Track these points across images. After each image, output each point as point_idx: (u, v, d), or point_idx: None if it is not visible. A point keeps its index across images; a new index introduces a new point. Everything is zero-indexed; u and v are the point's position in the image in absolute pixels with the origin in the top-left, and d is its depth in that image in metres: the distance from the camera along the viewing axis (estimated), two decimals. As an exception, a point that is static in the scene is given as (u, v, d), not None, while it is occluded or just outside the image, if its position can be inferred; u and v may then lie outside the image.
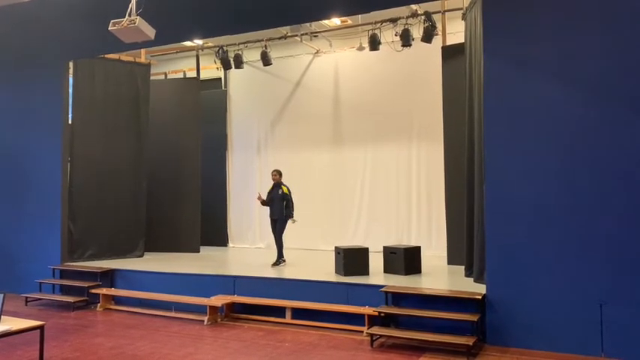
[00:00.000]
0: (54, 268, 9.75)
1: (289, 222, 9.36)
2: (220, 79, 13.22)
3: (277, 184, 9.45)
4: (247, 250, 12.14)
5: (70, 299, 8.83)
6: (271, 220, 9.52)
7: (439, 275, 8.34)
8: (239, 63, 11.35)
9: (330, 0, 8.08)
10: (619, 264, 5.86)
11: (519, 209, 6.36)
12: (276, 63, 11.37)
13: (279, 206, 9.35)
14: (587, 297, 5.96)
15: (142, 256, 10.83)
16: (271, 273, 8.70)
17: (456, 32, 9.60)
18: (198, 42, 11.83)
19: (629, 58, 5.92)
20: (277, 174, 9.52)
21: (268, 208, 9.54)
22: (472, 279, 7.55)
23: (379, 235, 10.71)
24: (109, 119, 10.76)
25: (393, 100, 11.04)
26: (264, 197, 9.50)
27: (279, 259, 9.36)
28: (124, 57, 11.05)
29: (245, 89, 12.92)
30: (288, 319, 7.57)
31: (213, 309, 7.82)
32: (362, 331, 6.96)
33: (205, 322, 7.68)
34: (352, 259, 8.16)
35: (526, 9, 6.47)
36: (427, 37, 9.23)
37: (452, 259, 9.06)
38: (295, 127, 12.17)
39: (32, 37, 10.33)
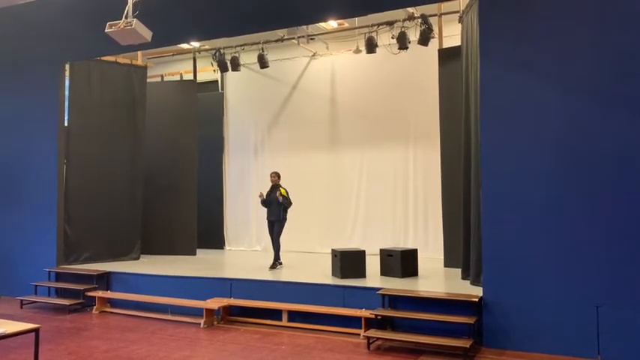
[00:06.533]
0: (50, 271, 9.71)
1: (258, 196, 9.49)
2: (217, 81, 13.21)
3: (276, 186, 9.44)
4: (244, 253, 12.11)
5: (66, 302, 8.80)
6: (268, 221, 9.51)
7: (436, 278, 8.34)
8: (236, 65, 11.35)
9: (326, 2, 8.09)
10: (616, 266, 5.87)
11: (516, 212, 6.36)
12: (273, 65, 11.36)
13: (277, 208, 9.34)
14: (584, 299, 5.97)
15: (138, 258, 10.79)
16: (268, 276, 8.68)
17: (452, 35, 9.61)
18: (195, 44, 11.84)
19: (625, 61, 5.93)
20: (276, 176, 9.52)
21: (266, 209, 9.54)
22: (469, 281, 7.56)
23: (376, 238, 10.70)
24: (105, 122, 10.72)
25: (390, 103, 11.05)
26: (265, 196, 9.46)
27: (276, 262, 9.34)
28: (121, 59, 11.02)
29: (242, 92, 12.91)
30: (284, 322, 7.56)
31: (210, 312, 7.80)
32: (359, 334, 6.95)
33: (202, 325, 7.66)
34: (349, 262, 8.15)
35: (522, 12, 6.48)
36: (424, 40, 9.24)
37: (449, 262, 9.06)
38: (292, 130, 12.16)
39: (28, 39, 10.31)
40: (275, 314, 7.68)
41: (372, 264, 8.45)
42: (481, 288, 6.66)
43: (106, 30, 6.84)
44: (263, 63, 10.96)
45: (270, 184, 9.58)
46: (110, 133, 10.75)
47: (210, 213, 12.57)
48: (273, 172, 9.60)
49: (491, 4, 6.66)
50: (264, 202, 9.46)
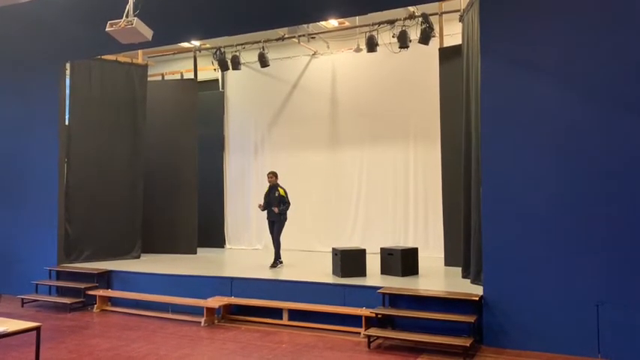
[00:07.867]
0: (50, 270, 9.72)
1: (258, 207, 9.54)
2: (218, 80, 13.22)
3: (274, 186, 9.44)
4: (244, 252, 12.12)
5: (67, 300, 8.80)
6: (269, 221, 9.51)
7: (436, 276, 8.35)
8: (236, 64, 11.35)
9: (327, 1, 8.09)
10: (616, 265, 5.87)
11: (516, 210, 6.37)
12: (273, 64, 11.38)
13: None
14: (584, 298, 5.97)
15: (138, 257, 10.81)
16: (268, 274, 8.69)
17: (453, 34, 9.62)
18: (196, 43, 11.84)
19: (626, 61, 5.93)
20: (273, 176, 9.51)
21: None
22: (469, 280, 7.56)
23: (376, 237, 10.72)
24: (106, 120, 10.73)
25: (391, 102, 11.06)
26: (262, 201, 9.51)
27: (277, 261, 9.35)
28: (122, 58, 11.03)
29: (242, 91, 12.92)
30: (285, 321, 7.56)
31: (210, 310, 7.81)
32: (359, 333, 6.96)
33: (202, 324, 7.67)
34: (349, 261, 8.16)
35: (523, 11, 6.48)
36: (424, 39, 9.25)
37: (449, 261, 9.06)
38: (292, 129, 12.17)
39: (29, 38, 10.31)
40: (275, 313, 7.68)
41: (373, 263, 8.46)
42: (481, 287, 6.66)
43: (106, 29, 6.83)
44: (264, 62, 10.97)
45: (267, 185, 9.58)
46: (111, 131, 10.77)
47: (211, 212, 12.58)
48: (270, 173, 9.59)
49: (492, 4, 6.66)
50: (265, 207, 9.46)
